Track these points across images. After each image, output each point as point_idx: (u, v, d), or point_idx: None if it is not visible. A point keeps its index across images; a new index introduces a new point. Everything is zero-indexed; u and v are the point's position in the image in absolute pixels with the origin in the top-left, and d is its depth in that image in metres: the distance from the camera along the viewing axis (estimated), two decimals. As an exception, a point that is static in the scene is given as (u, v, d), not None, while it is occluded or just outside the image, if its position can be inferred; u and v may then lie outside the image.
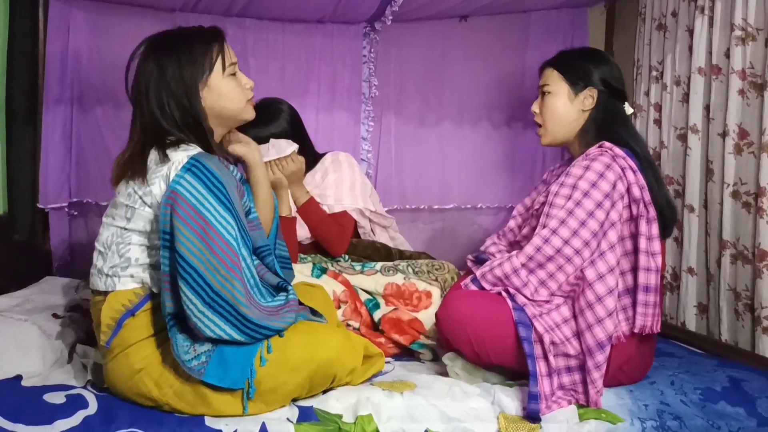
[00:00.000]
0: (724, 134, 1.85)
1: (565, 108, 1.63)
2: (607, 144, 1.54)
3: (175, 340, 1.28)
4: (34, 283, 1.94)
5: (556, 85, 1.64)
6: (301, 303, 1.46)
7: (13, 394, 1.31)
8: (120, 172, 1.36)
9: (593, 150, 1.55)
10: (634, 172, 1.50)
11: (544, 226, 1.50)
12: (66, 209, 2.17)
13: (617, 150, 1.52)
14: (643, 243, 1.47)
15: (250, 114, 1.45)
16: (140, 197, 1.32)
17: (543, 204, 1.57)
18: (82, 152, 2.18)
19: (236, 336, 1.27)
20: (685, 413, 1.43)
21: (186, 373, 1.28)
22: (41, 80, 2.09)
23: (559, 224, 1.48)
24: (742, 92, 1.80)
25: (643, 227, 1.47)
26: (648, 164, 1.55)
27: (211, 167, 1.28)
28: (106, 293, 1.35)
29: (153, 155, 1.33)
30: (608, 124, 1.60)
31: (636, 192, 1.49)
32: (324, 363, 1.34)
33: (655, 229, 1.48)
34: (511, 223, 1.76)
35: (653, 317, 1.48)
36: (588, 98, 1.62)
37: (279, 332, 1.32)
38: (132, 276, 1.34)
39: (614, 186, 1.48)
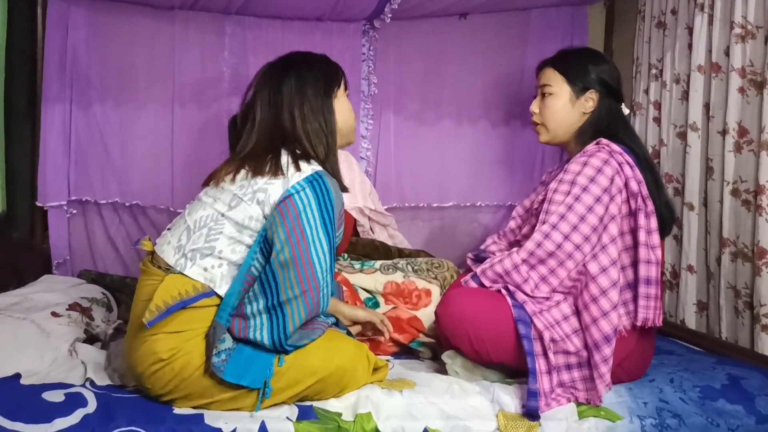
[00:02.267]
0: (723, 132, 1.85)
1: (566, 110, 1.63)
2: (604, 141, 1.55)
3: (220, 329, 1.30)
4: (33, 281, 1.93)
5: (558, 86, 1.64)
6: (336, 323, 1.54)
7: (12, 393, 1.30)
8: (236, 168, 1.38)
9: (591, 147, 1.55)
10: (631, 167, 1.51)
11: (544, 222, 1.50)
12: (65, 207, 2.16)
13: (614, 146, 1.53)
14: (642, 236, 1.48)
15: (354, 137, 1.59)
16: (253, 192, 1.34)
17: (542, 202, 1.57)
18: (81, 150, 2.17)
19: (266, 344, 1.31)
20: (684, 411, 1.43)
21: (202, 368, 1.30)
22: (40, 78, 2.09)
23: (559, 219, 1.48)
24: (741, 90, 1.80)
25: (641, 220, 1.48)
26: (647, 165, 1.56)
27: (330, 189, 1.34)
28: (167, 270, 1.35)
29: (285, 158, 1.37)
30: (607, 126, 1.61)
31: (634, 186, 1.49)
32: (339, 369, 1.36)
33: (654, 223, 1.49)
34: (512, 224, 1.77)
35: (655, 310, 1.48)
36: (589, 100, 1.62)
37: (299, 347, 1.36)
38: (204, 269, 1.34)
39: (612, 180, 1.49)
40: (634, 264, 1.49)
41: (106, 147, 2.19)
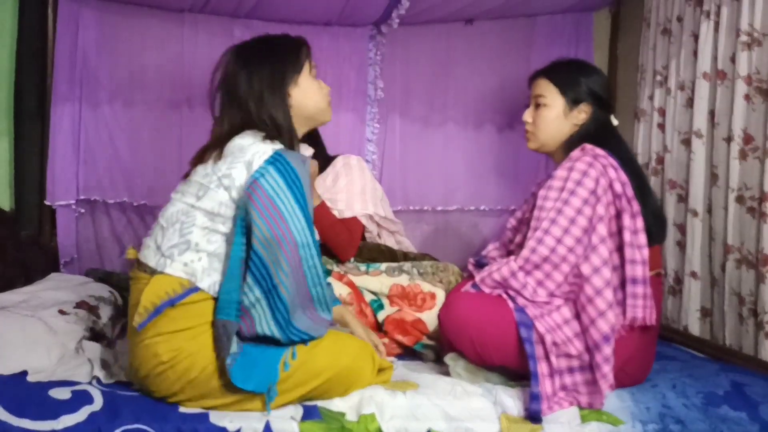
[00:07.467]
0: (728, 139, 1.85)
1: (558, 121, 1.66)
2: (588, 146, 1.58)
3: (230, 326, 1.30)
4: (40, 279, 1.95)
5: (552, 97, 1.67)
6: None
7: (18, 390, 1.32)
8: (199, 157, 1.40)
9: (575, 152, 1.58)
10: (615, 169, 1.53)
11: (537, 229, 1.52)
12: (73, 206, 2.18)
13: (598, 150, 1.56)
14: (627, 236, 1.49)
15: (329, 115, 1.57)
16: (218, 178, 1.35)
17: (532, 211, 1.59)
18: (90, 150, 2.19)
19: (276, 334, 1.31)
20: (687, 417, 1.44)
21: (207, 371, 1.30)
22: (50, 78, 2.11)
23: (551, 224, 1.50)
24: (747, 97, 1.80)
25: (626, 221, 1.50)
26: (633, 170, 1.57)
27: (293, 164, 1.34)
28: (153, 272, 1.35)
29: (238, 141, 1.37)
30: (595, 137, 1.63)
31: (618, 188, 1.52)
32: (345, 369, 1.37)
33: (639, 223, 1.51)
34: (508, 234, 1.78)
35: (644, 309, 1.49)
36: (582, 113, 1.65)
37: (310, 340, 1.36)
38: (185, 264, 1.34)
39: (597, 182, 1.51)
40: (623, 264, 1.50)
41: (115, 147, 2.21)
